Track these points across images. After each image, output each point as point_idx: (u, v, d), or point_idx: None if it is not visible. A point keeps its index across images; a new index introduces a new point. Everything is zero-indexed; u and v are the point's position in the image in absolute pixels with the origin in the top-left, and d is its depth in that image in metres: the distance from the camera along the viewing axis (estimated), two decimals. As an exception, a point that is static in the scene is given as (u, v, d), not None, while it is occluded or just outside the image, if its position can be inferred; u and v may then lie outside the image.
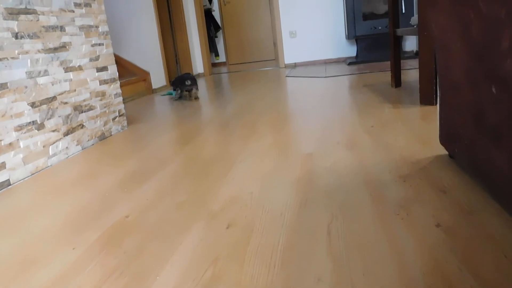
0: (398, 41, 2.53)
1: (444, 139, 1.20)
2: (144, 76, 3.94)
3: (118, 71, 3.79)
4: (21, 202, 1.30)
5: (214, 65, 7.13)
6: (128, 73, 3.97)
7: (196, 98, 3.26)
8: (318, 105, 2.35)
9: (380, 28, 4.29)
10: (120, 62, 3.95)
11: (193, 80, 3.21)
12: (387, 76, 3.22)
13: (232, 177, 1.29)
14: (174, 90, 3.37)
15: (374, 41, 4.45)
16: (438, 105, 1.45)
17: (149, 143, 1.90)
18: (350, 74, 3.63)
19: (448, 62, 1.05)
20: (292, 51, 5.12)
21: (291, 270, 0.75)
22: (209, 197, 1.15)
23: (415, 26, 2.29)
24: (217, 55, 7.07)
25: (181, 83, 3.23)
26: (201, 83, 4.58)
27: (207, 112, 2.56)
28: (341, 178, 1.17)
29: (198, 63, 5.46)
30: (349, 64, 4.42)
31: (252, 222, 0.97)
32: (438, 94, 1.43)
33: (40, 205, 1.25)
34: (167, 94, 3.66)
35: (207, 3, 6.64)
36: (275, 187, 1.17)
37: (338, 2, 4.89)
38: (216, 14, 6.90)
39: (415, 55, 4.57)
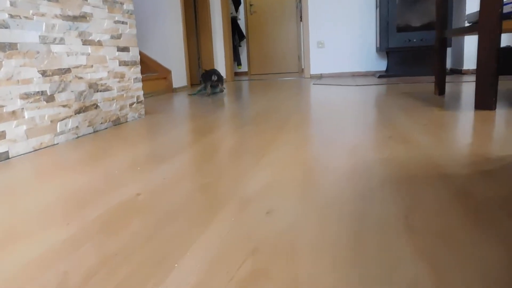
0: (444, 44, 2.31)
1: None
2: (165, 74, 3.79)
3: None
4: (18, 175, 1.10)
5: (235, 74, 7.00)
6: (149, 69, 3.82)
7: (221, 91, 3.38)
8: (357, 106, 2.13)
9: (414, 40, 4.08)
10: (142, 58, 3.81)
11: (220, 76, 3.25)
12: (425, 87, 2.98)
13: (266, 164, 1.07)
14: (201, 83, 3.40)
15: (407, 54, 4.24)
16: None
17: (170, 130, 1.70)
18: (383, 84, 3.41)
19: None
20: (319, 61, 4.94)
21: (369, 269, 0.52)
22: (240, 181, 0.93)
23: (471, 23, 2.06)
24: (239, 64, 6.95)
25: (208, 78, 3.26)
26: (225, 87, 4.40)
27: (231, 108, 2.36)
28: (405, 170, 0.94)
29: (220, 69, 5.32)
30: (379, 77, 4.20)
31: (300, 210, 0.74)
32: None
33: (38, 180, 1.05)
34: (197, 93, 3.47)
35: (233, 11, 6.55)
36: (322, 175, 0.94)
37: (369, 13, 4.71)
38: (241, 23, 6.81)
39: (450, 72, 4.34)
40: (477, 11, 1.91)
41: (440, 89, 2.38)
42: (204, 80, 3.29)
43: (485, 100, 1.75)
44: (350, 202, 0.76)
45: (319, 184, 0.88)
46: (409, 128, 1.44)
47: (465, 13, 3.92)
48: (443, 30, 2.26)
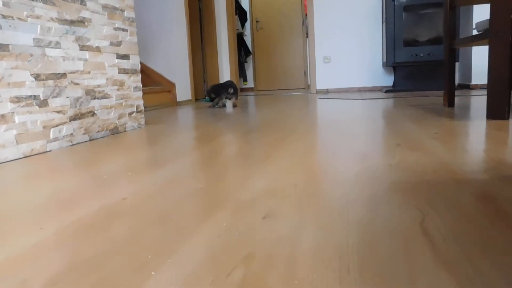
0: (453, 54, 2.24)
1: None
2: (169, 87, 3.76)
3: (143, 79, 3.63)
4: (1, 180, 1.03)
5: (241, 90, 6.98)
6: (154, 82, 3.80)
7: (235, 106, 3.32)
8: (364, 117, 2.05)
9: (421, 55, 4.03)
10: (146, 71, 3.79)
11: (235, 89, 3.25)
12: (434, 99, 2.90)
13: (267, 169, 1.00)
14: (212, 97, 3.33)
15: (414, 69, 4.18)
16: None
17: (169, 139, 1.63)
18: (390, 98, 3.34)
19: None
20: (325, 76, 4.90)
21: (382, 278, 0.43)
22: (238, 186, 0.85)
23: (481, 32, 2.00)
24: (245, 80, 6.94)
25: (223, 90, 3.24)
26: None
27: (237, 119, 2.30)
28: (416, 176, 0.85)
29: (225, 84, 5.29)
30: (386, 92, 4.14)
31: (301, 214, 0.66)
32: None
33: (21, 184, 0.98)
34: (215, 106, 3.40)
35: (239, 27, 6.58)
36: (326, 181, 0.86)
37: (376, 28, 4.69)
38: (247, 39, 6.83)
39: (458, 87, 4.26)
40: (487, 19, 1.85)
41: (450, 101, 2.30)
42: (218, 93, 3.26)
43: (497, 109, 1.67)
44: (357, 208, 0.68)
45: (323, 189, 0.80)
46: (419, 137, 1.35)
47: (472, 24, 3.87)
48: (452, 40, 2.20)
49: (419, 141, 1.27)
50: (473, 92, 3.51)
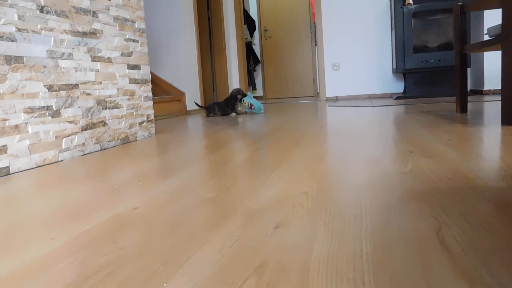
0: (465, 60, 2.22)
1: None
2: (179, 96, 3.79)
3: (152, 89, 3.66)
4: (14, 189, 1.04)
5: (250, 99, 7.00)
6: (163, 92, 3.83)
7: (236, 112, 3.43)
8: (375, 124, 2.03)
9: (432, 61, 3.99)
10: (155, 81, 3.83)
11: (243, 94, 3.37)
12: (445, 105, 2.87)
13: (277, 178, 0.99)
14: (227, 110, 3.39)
15: (424, 75, 4.14)
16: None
17: (179, 147, 1.63)
18: (401, 105, 3.31)
19: None
20: (334, 84, 4.88)
21: (397, 291, 0.42)
22: (248, 195, 0.85)
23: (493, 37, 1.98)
24: (254, 88, 6.96)
25: (234, 100, 3.37)
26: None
27: (247, 127, 2.30)
28: (430, 183, 0.84)
29: (235, 93, 5.31)
30: (397, 98, 4.11)
31: (313, 223, 0.65)
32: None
33: (33, 194, 0.98)
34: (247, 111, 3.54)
35: (248, 36, 6.63)
36: (338, 189, 0.85)
37: (385, 34, 4.67)
38: (256, 48, 6.86)
39: (471, 92, 4.21)
40: (499, 24, 1.83)
41: (462, 107, 2.27)
42: (229, 104, 3.37)
43: (513, 115, 1.64)
44: (371, 216, 0.66)
45: (335, 197, 0.79)
46: (432, 143, 1.33)
47: (483, 29, 3.83)
48: (463, 45, 2.18)
49: (432, 147, 1.25)
50: (486, 97, 3.47)
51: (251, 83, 6.81)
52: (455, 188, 0.79)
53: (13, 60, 1.27)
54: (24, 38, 1.31)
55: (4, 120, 1.23)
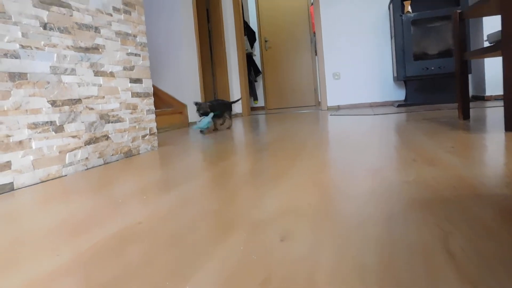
0: (465, 66, 2.23)
1: None
2: (180, 108, 3.80)
3: (154, 102, 3.68)
4: (18, 205, 1.04)
5: (252, 109, 7.02)
6: (165, 104, 3.85)
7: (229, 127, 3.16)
8: (377, 132, 2.03)
9: (432, 68, 4.01)
10: (157, 93, 3.85)
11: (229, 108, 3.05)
12: (448, 112, 2.87)
13: (280, 189, 0.99)
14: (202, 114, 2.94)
15: (425, 82, 4.15)
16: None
17: (182, 159, 1.64)
18: (403, 112, 3.31)
19: None
20: (335, 93, 4.90)
21: (404, 303, 0.42)
22: (252, 207, 0.85)
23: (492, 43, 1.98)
24: (255, 99, 6.98)
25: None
26: (241, 120, 4.39)
27: (249, 138, 2.30)
28: (434, 192, 0.83)
29: (237, 104, 5.33)
30: (398, 106, 4.11)
31: (318, 235, 0.65)
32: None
33: (37, 209, 0.99)
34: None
35: (249, 47, 6.67)
36: (342, 199, 0.85)
37: (384, 42, 4.70)
38: (257, 58, 6.91)
39: (472, 99, 4.21)
40: (498, 31, 1.84)
41: (465, 114, 2.27)
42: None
43: (515, 121, 1.63)
44: (375, 226, 0.66)
45: (339, 208, 0.79)
46: (435, 151, 1.33)
47: (482, 35, 3.85)
48: (463, 52, 2.19)
49: (436, 155, 1.25)
50: (488, 103, 3.47)
51: (253, 94, 6.83)
52: (459, 196, 0.79)
53: (17, 77, 1.28)
54: (28, 55, 1.33)
55: (8, 136, 1.24)
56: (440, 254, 0.53)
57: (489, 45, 1.91)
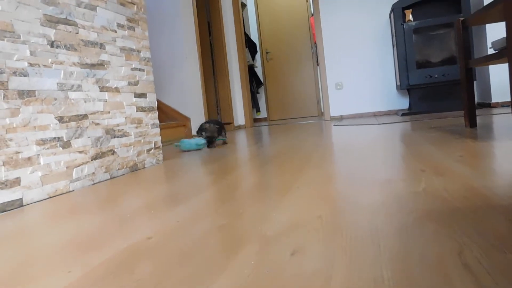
0: (470, 74, 2.23)
1: None
2: (184, 121, 3.82)
3: (158, 115, 3.70)
4: (28, 221, 1.04)
5: (255, 120, 7.04)
6: (168, 118, 3.87)
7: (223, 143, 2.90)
8: (383, 142, 2.03)
9: (436, 76, 4.01)
10: (161, 107, 3.87)
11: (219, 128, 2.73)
12: (454, 120, 2.86)
13: (289, 201, 0.98)
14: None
15: (429, 90, 4.15)
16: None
17: (188, 173, 1.64)
18: (407, 121, 3.30)
19: None
20: (338, 103, 4.91)
21: (424, 319, 0.41)
22: (261, 221, 0.84)
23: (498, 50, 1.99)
24: (258, 110, 7.00)
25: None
26: (244, 132, 4.40)
27: (253, 150, 2.30)
28: (445, 203, 0.83)
29: (239, 115, 5.35)
30: (402, 115, 4.11)
31: (330, 248, 0.64)
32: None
33: (47, 225, 0.98)
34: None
35: (250, 59, 6.72)
36: (352, 212, 0.84)
37: (386, 51, 4.71)
38: (258, 70, 6.95)
39: (478, 106, 4.20)
40: (503, 38, 1.85)
41: (471, 121, 2.26)
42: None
43: (522, 128, 1.62)
44: (388, 239, 0.66)
45: (350, 220, 0.78)
46: (444, 161, 1.32)
47: (486, 42, 3.85)
48: (467, 60, 2.19)
49: (444, 165, 1.24)
50: (495, 110, 3.46)
51: (255, 106, 6.86)
52: (472, 207, 0.78)
53: (26, 94, 1.29)
54: (36, 73, 1.34)
55: (18, 152, 1.25)
56: (456, 267, 0.52)
57: (494, 52, 1.91)
